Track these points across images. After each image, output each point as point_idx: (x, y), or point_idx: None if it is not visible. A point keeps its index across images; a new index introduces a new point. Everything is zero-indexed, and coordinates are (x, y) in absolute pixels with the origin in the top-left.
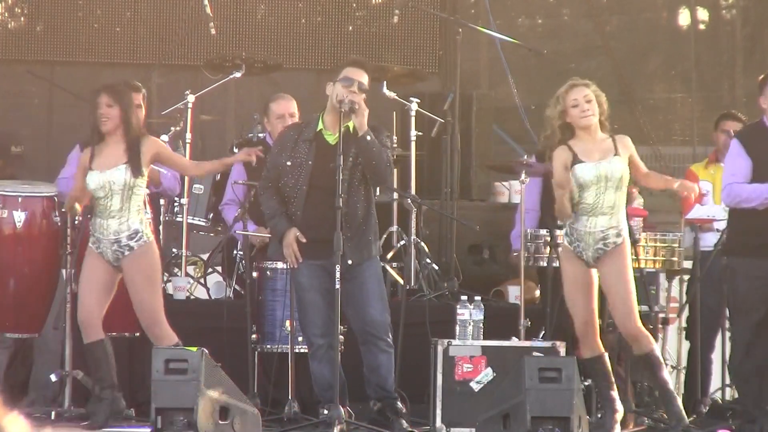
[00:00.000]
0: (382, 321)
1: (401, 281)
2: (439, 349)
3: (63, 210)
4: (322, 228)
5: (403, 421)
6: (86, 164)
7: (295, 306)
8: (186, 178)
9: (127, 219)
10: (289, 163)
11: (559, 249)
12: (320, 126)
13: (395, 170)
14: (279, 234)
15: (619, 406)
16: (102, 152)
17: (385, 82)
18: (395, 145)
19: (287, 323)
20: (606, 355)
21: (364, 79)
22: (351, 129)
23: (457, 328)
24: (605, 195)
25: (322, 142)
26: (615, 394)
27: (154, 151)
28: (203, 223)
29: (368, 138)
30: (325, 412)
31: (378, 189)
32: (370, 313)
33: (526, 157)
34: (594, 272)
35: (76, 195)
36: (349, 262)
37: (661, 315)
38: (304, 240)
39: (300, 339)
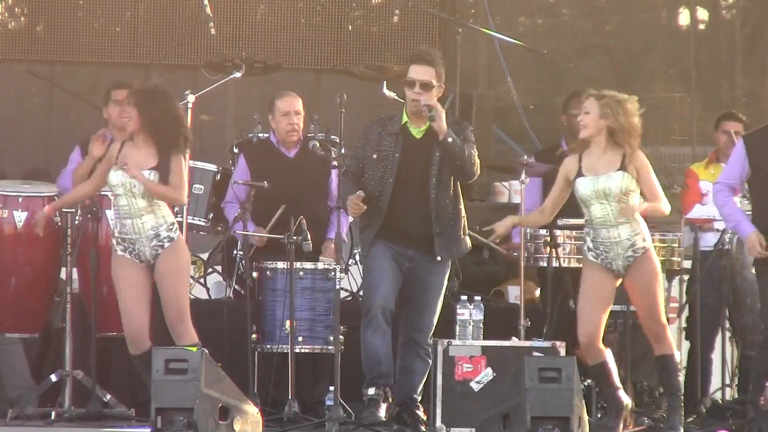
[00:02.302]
0: (429, 331)
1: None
2: (439, 349)
3: (65, 210)
4: (407, 222)
5: (422, 427)
6: (113, 157)
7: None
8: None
9: (162, 212)
10: (375, 156)
11: (583, 259)
12: (405, 119)
13: None
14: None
15: (625, 399)
16: (130, 151)
17: (385, 82)
18: None
19: (287, 323)
20: (607, 360)
21: (428, 74)
22: None
23: (457, 328)
24: (611, 207)
25: (409, 136)
26: (620, 392)
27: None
28: (203, 223)
29: (449, 140)
30: (371, 392)
31: None
32: (422, 321)
33: (526, 157)
34: (613, 288)
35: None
36: (438, 258)
37: None
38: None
39: (300, 339)
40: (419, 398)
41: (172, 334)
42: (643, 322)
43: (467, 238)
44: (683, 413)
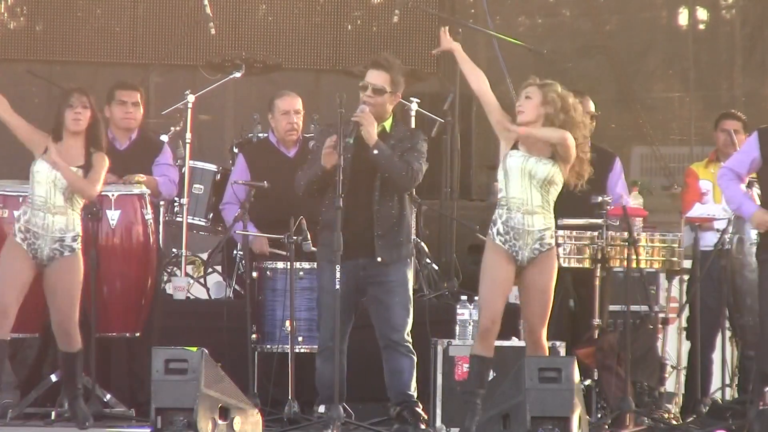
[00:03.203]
0: (403, 328)
1: None
2: (439, 349)
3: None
4: (356, 224)
5: (422, 426)
6: (38, 148)
7: (314, 304)
8: (186, 180)
9: (74, 219)
10: None
11: (487, 242)
12: None
13: None
14: (318, 164)
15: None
16: (60, 148)
17: None
18: None
19: (287, 323)
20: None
21: (381, 79)
22: (387, 128)
23: (457, 328)
24: (531, 192)
25: (361, 139)
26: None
27: (100, 164)
28: (203, 223)
29: (375, 152)
30: (321, 410)
31: None
32: (394, 320)
33: None
34: (512, 278)
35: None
36: (378, 259)
37: (661, 315)
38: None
39: (300, 339)
40: (415, 395)
41: (58, 341)
42: (531, 322)
43: (411, 245)
44: None
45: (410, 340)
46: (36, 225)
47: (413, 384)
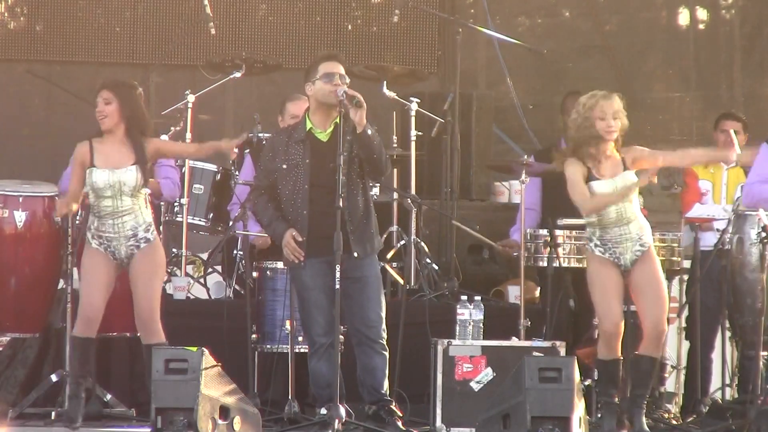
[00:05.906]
0: (378, 324)
1: (401, 281)
2: (439, 349)
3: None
4: (325, 225)
5: (399, 423)
6: (86, 161)
7: (297, 304)
8: (186, 180)
9: (141, 212)
10: (284, 166)
11: (588, 255)
12: (309, 125)
13: (395, 170)
14: (278, 238)
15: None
16: (105, 150)
17: (385, 82)
18: (395, 145)
19: (287, 323)
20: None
21: (342, 70)
22: (338, 120)
23: (457, 328)
24: (624, 206)
25: (315, 141)
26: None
27: (153, 149)
28: (203, 223)
29: (369, 132)
30: (323, 411)
31: (377, 187)
32: (368, 316)
33: (525, 156)
34: (623, 283)
35: (74, 195)
36: (355, 254)
37: None
38: (300, 239)
39: (300, 339)
40: (387, 392)
41: (140, 333)
42: (653, 315)
43: (379, 237)
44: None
45: (385, 336)
46: (107, 231)
47: (386, 382)
